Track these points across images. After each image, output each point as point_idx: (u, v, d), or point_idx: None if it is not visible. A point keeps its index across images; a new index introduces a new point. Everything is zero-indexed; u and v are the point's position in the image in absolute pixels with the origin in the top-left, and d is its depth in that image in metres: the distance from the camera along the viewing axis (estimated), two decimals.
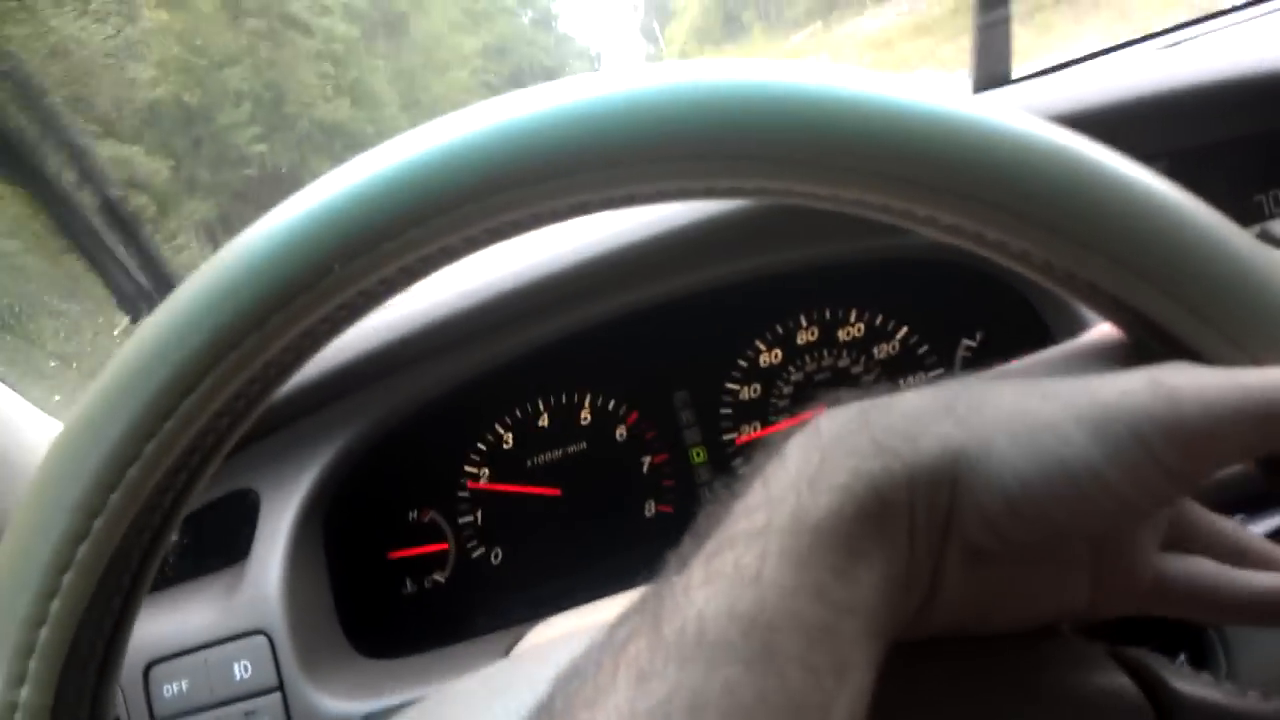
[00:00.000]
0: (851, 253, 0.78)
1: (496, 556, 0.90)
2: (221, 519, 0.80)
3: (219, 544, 0.80)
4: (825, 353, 0.87)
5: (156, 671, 0.75)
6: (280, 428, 0.80)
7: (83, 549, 0.32)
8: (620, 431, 0.90)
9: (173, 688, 0.74)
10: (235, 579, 0.77)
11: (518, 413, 0.90)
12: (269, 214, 0.33)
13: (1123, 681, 0.32)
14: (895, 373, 0.86)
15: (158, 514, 0.36)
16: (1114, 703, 0.32)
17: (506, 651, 0.73)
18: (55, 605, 0.32)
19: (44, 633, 0.32)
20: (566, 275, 0.77)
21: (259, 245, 0.32)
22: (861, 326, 0.86)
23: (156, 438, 0.32)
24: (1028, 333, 0.80)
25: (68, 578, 0.32)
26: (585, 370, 0.89)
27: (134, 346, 0.32)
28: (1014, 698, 0.32)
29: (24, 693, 0.32)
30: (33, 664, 0.32)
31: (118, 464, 0.32)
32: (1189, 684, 0.32)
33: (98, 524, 0.32)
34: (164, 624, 0.76)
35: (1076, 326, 0.70)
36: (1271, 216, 0.75)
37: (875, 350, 0.86)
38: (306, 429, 0.79)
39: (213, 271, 0.32)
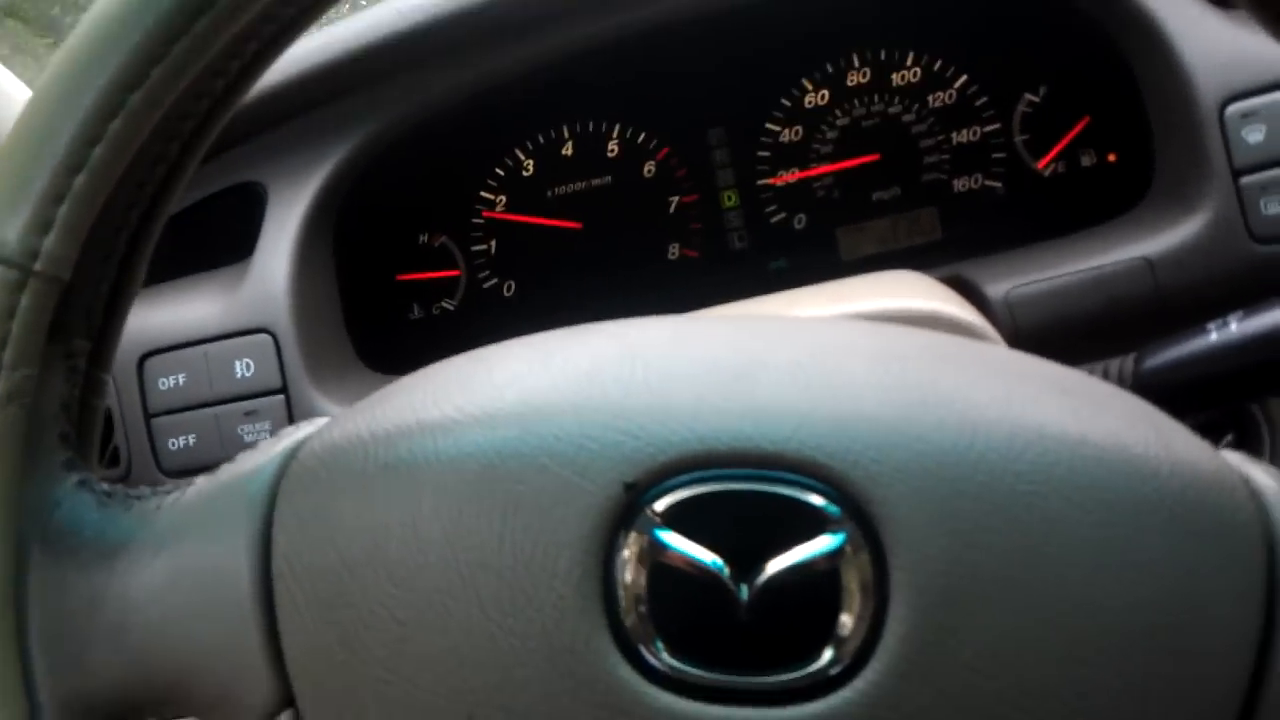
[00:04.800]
0: None
1: (509, 288, 0.85)
2: (226, 213, 0.75)
3: (223, 239, 0.74)
4: (876, 97, 0.81)
5: (152, 363, 0.71)
6: (291, 119, 0.74)
7: (134, 97, 0.29)
8: (649, 167, 0.84)
9: (169, 381, 0.70)
10: (239, 275, 0.72)
11: (540, 139, 0.84)
12: None
13: (1233, 480, 0.29)
14: (949, 124, 0.80)
15: (217, 82, 0.33)
16: (1220, 499, 0.29)
17: None
18: (96, 153, 0.29)
19: (78, 180, 0.29)
20: None
21: None
22: (918, 71, 0.80)
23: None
24: (1102, 89, 0.75)
25: (113, 125, 0.29)
26: (616, 98, 0.83)
27: None
28: None
29: (47, 241, 0.29)
30: (61, 211, 0.29)
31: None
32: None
33: (156, 70, 0.29)
34: (162, 316, 0.72)
35: (1168, 80, 0.64)
36: None
37: (930, 98, 0.80)
38: (319, 122, 0.74)
39: None
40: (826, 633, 0.27)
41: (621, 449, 0.28)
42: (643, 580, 0.28)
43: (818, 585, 0.27)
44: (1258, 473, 0.30)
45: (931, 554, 0.26)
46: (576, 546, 0.28)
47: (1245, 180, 0.59)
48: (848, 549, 0.27)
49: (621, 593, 0.28)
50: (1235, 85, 0.60)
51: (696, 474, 0.28)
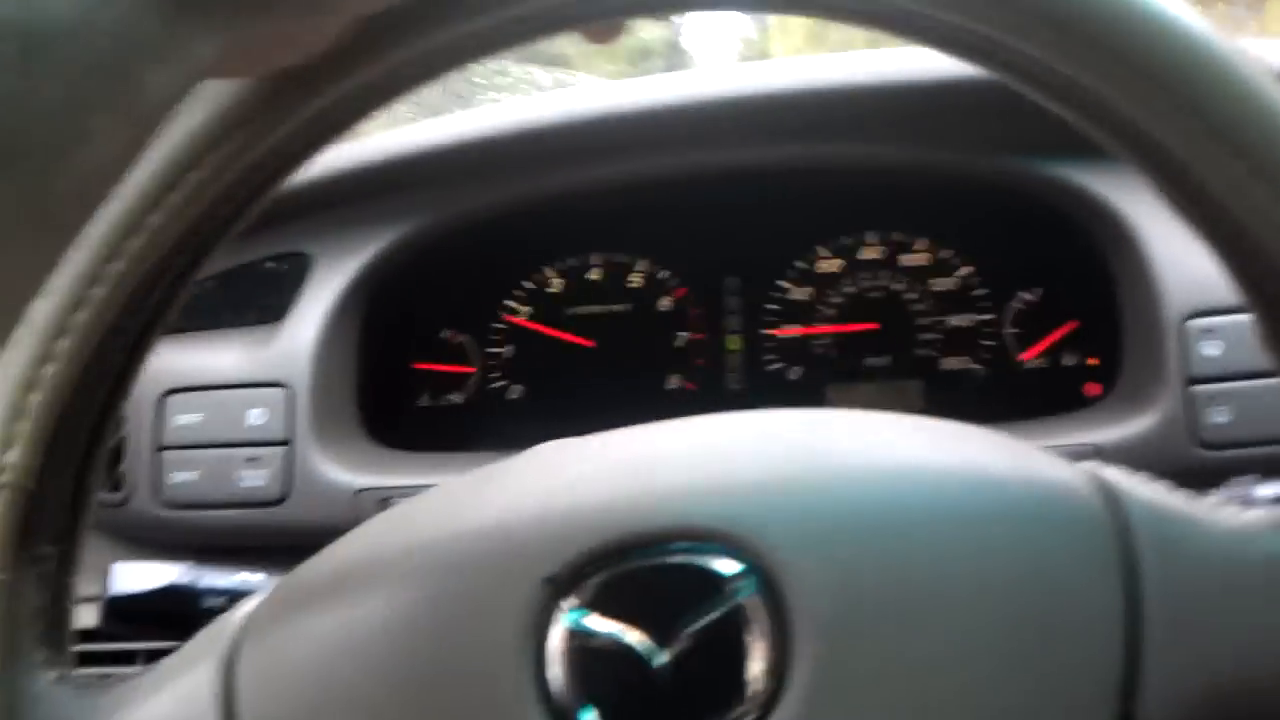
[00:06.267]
0: (940, 168, 0.79)
1: (516, 392, 0.91)
2: (272, 277, 0.81)
3: (264, 300, 0.81)
4: (884, 272, 0.87)
5: (173, 400, 0.76)
6: (346, 203, 0.81)
7: (79, 316, 0.32)
8: (665, 302, 0.90)
9: (185, 418, 0.75)
10: (271, 333, 0.78)
11: (571, 260, 0.91)
12: None
13: (1081, 480, 0.33)
14: (947, 308, 0.86)
15: (165, 278, 0.35)
16: (1070, 496, 0.33)
17: None
18: (49, 370, 0.32)
19: (35, 397, 0.32)
20: (655, 114, 0.78)
21: None
22: (927, 256, 0.87)
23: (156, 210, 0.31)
24: (1091, 297, 0.80)
25: (62, 344, 0.32)
26: (645, 234, 0.90)
27: None
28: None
29: (11, 454, 0.32)
30: (21, 426, 0.32)
31: (116, 233, 0.31)
32: (1145, 488, 0.33)
33: (95, 291, 0.32)
34: (191, 359, 0.78)
35: (1141, 290, 0.70)
36: None
37: (933, 282, 0.86)
38: (373, 207, 0.80)
39: None
40: (740, 684, 0.30)
41: (538, 548, 0.32)
42: (570, 661, 0.31)
43: (729, 642, 0.30)
44: (1111, 472, 0.33)
45: (823, 595, 0.30)
46: (508, 640, 0.31)
47: (1196, 389, 0.64)
48: (749, 604, 0.31)
49: (551, 674, 0.31)
50: (1200, 303, 0.65)
51: (608, 559, 0.32)
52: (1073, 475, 0.33)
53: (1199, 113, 0.28)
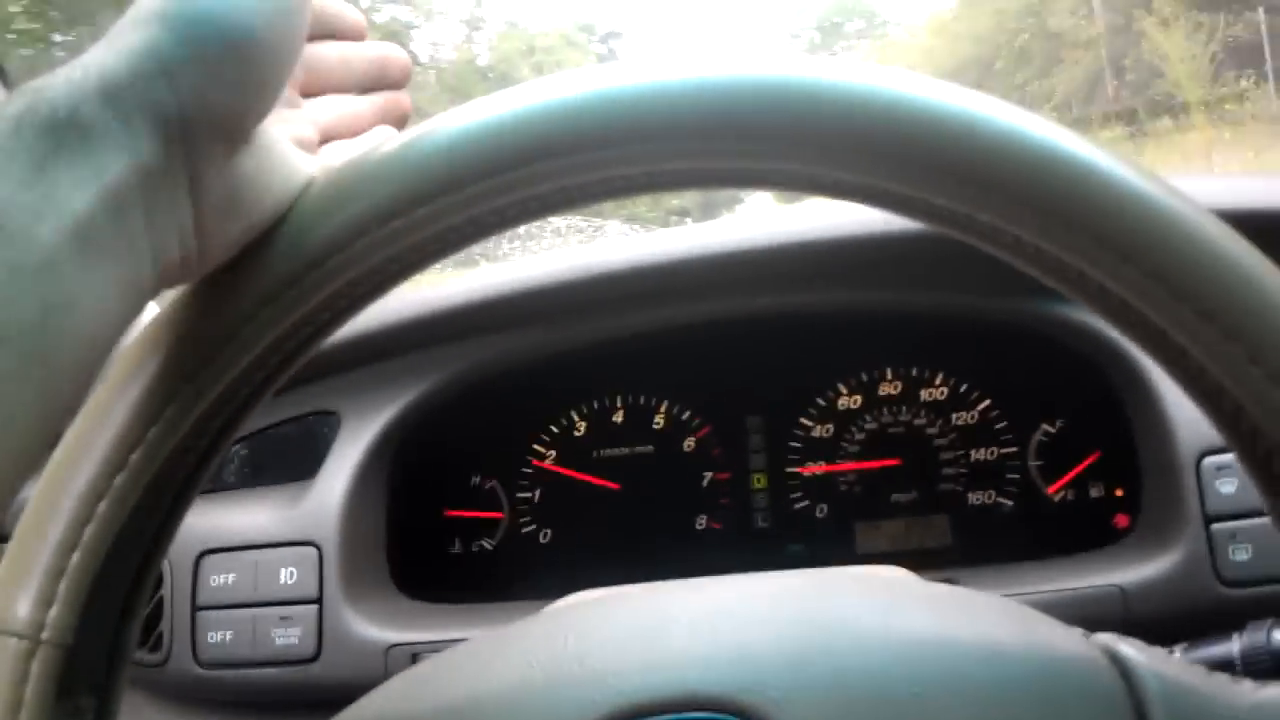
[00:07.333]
0: (954, 309, 0.80)
1: (546, 535, 0.92)
2: (302, 436, 0.83)
3: (295, 459, 0.83)
4: (904, 408, 0.88)
5: (208, 560, 0.78)
6: (373, 361, 0.83)
7: (119, 479, 0.33)
8: (689, 442, 0.92)
9: (220, 578, 0.77)
10: (302, 491, 0.80)
11: (595, 404, 0.93)
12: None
13: (1095, 655, 0.34)
14: (969, 442, 0.86)
15: (203, 441, 0.37)
16: (1085, 671, 0.33)
17: None
18: (88, 531, 0.33)
19: (75, 558, 0.33)
20: (675, 265, 0.80)
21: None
22: (945, 390, 0.88)
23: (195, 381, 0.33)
24: (1113, 429, 0.81)
25: (102, 507, 0.33)
26: (668, 377, 0.92)
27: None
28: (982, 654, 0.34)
29: (52, 613, 0.33)
30: (62, 586, 0.33)
31: (156, 401, 0.33)
32: (1159, 663, 0.33)
33: (134, 456, 0.33)
34: (226, 520, 0.79)
35: (1155, 428, 0.70)
36: None
37: (954, 416, 0.87)
38: (398, 365, 0.83)
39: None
40: None
41: (559, 713, 0.33)
42: None
43: None
44: (1123, 646, 0.34)
45: None
46: None
47: (1216, 527, 0.63)
48: None
49: None
50: (1212, 441, 0.65)
51: None
52: (1087, 650, 0.34)
53: (1188, 299, 0.28)
